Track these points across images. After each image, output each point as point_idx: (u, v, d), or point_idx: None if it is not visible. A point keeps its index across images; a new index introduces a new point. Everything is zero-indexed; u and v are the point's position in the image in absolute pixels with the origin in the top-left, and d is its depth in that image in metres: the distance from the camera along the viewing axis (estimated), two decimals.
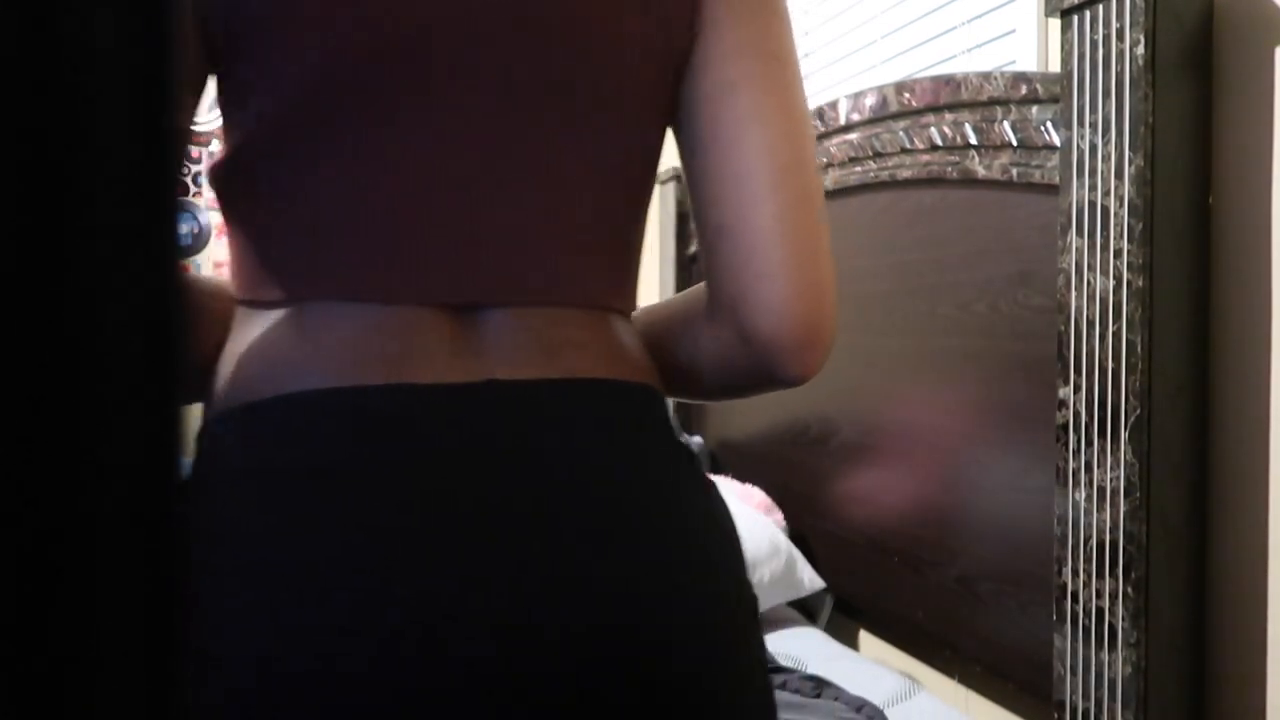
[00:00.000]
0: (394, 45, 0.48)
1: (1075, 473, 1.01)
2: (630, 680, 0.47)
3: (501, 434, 0.48)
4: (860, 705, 1.15)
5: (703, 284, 0.61)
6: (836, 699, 1.17)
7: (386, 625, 0.42)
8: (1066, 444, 1.03)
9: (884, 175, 1.43)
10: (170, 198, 0.16)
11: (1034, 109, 1.13)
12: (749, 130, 0.55)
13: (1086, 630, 1.00)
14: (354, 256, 0.49)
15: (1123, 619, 0.96)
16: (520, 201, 0.52)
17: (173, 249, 0.16)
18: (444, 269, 0.51)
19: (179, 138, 0.17)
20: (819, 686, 1.20)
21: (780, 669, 1.27)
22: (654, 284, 2.32)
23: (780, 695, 1.20)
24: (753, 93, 0.56)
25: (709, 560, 0.51)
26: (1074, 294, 1.02)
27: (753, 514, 1.62)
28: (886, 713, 1.18)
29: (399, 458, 0.46)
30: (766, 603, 1.54)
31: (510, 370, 0.51)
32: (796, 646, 1.44)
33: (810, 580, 1.58)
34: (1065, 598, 1.03)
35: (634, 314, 0.65)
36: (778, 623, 1.55)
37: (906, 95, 1.36)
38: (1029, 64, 1.35)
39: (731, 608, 0.52)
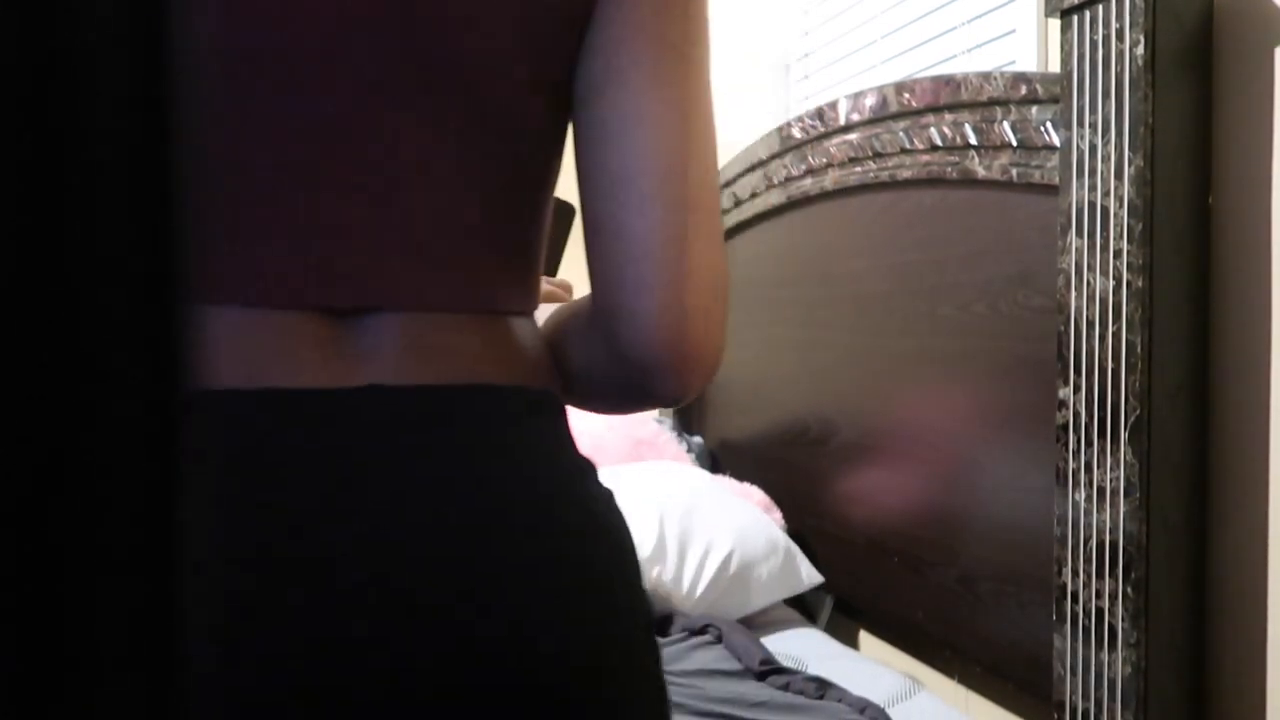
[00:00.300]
0: (245, 39, 0.45)
1: (1075, 473, 1.01)
2: (508, 704, 0.44)
3: (372, 443, 0.45)
4: (864, 707, 1.15)
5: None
6: (840, 700, 1.17)
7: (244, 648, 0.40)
8: (1066, 444, 1.03)
9: (884, 175, 1.43)
10: (177, 195, 0.16)
11: (1034, 109, 1.13)
12: (635, 125, 0.50)
13: (1086, 630, 1.00)
14: (217, 257, 0.46)
15: (1123, 619, 0.96)
16: (398, 199, 0.48)
17: (183, 243, 0.16)
18: (316, 271, 0.47)
19: (183, 131, 0.16)
20: (822, 688, 1.20)
21: (782, 670, 1.27)
22: None
23: (783, 697, 1.19)
24: (642, 84, 0.50)
25: (593, 573, 0.49)
26: (1074, 294, 1.01)
27: (750, 511, 1.62)
28: (888, 713, 1.18)
29: (259, 469, 0.43)
30: (766, 599, 1.54)
31: (391, 376, 0.47)
32: (797, 647, 1.44)
33: (809, 575, 1.58)
34: (1065, 598, 1.03)
35: (552, 312, 0.61)
36: (778, 623, 1.55)
37: (906, 95, 1.36)
38: (1029, 64, 1.35)
39: (624, 624, 0.50)
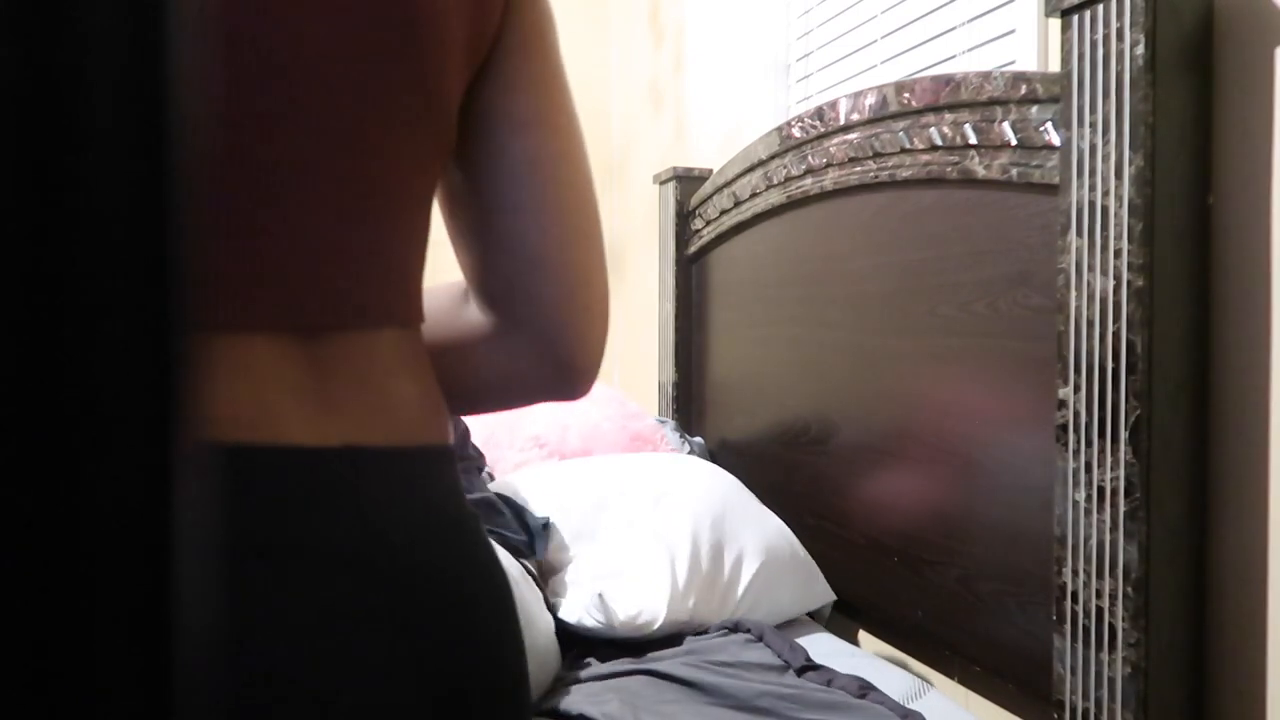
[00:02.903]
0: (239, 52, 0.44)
1: (1075, 473, 1.01)
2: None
3: (362, 524, 0.46)
4: (905, 714, 1.15)
5: (460, 303, 0.61)
6: (881, 704, 1.17)
7: None
8: (1066, 444, 1.03)
9: (884, 175, 1.43)
10: (173, 205, 0.16)
11: (1034, 109, 1.13)
12: (558, 163, 0.57)
13: (1086, 630, 1.00)
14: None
15: (1122, 619, 0.96)
16: (325, 199, 0.47)
17: (176, 246, 0.16)
18: (278, 284, 0.45)
19: (184, 136, 0.16)
20: (864, 688, 1.21)
21: (819, 667, 1.28)
22: (653, 284, 2.32)
23: (827, 693, 1.20)
24: (554, 124, 0.57)
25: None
26: (1074, 294, 1.01)
27: (771, 521, 1.60)
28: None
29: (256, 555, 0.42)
30: (782, 617, 1.54)
31: (359, 428, 0.47)
32: (808, 647, 1.45)
33: (824, 592, 1.59)
34: (1065, 598, 1.03)
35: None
36: (786, 622, 1.55)
37: (906, 95, 1.36)
38: (1029, 64, 1.35)
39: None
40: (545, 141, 0.56)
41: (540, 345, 0.58)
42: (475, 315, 0.60)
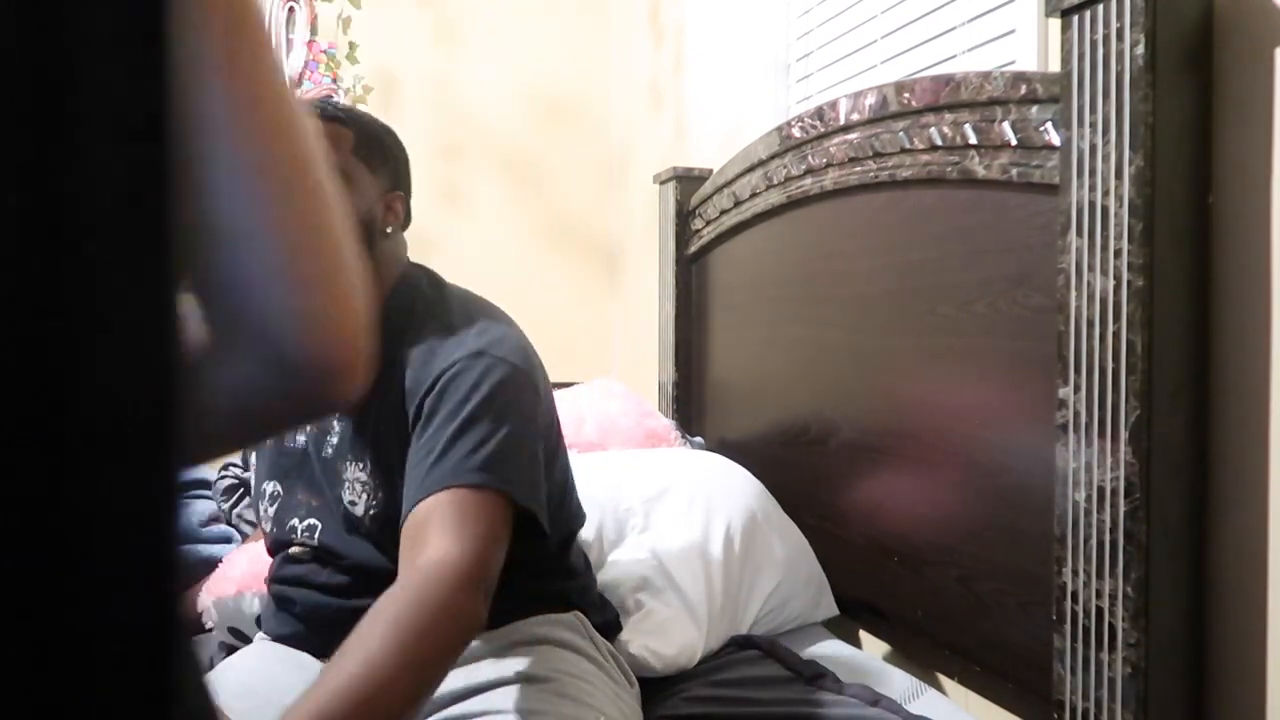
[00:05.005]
0: None
1: (1075, 473, 1.01)
2: None
3: None
4: None
5: None
6: (895, 713, 1.17)
7: None
8: (1066, 444, 1.02)
9: (884, 175, 1.43)
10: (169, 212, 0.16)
11: (1034, 109, 1.13)
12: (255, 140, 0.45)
13: (1086, 630, 1.00)
14: None
15: (1122, 619, 0.96)
16: None
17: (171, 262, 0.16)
18: None
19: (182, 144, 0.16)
20: (875, 696, 1.21)
21: (826, 673, 1.28)
22: (653, 284, 2.32)
23: (839, 702, 1.20)
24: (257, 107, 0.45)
25: None
26: (1074, 294, 1.01)
27: (796, 536, 1.60)
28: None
29: None
30: (784, 629, 1.54)
31: None
32: (810, 648, 1.45)
33: (827, 608, 1.58)
34: (1065, 598, 1.03)
35: None
36: (791, 630, 1.56)
37: (906, 95, 1.36)
38: (1029, 64, 1.35)
39: None
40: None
41: (262, 341, 0.46)
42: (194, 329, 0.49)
